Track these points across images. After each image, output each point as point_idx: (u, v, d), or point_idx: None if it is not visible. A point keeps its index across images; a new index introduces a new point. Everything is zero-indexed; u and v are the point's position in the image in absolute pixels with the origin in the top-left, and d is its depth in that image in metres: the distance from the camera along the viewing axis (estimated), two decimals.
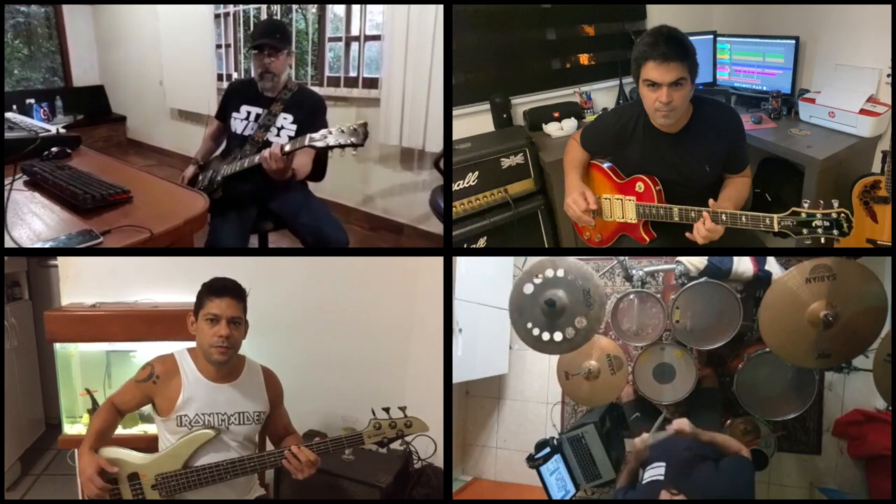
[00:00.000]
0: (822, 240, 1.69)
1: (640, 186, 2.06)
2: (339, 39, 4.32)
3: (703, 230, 1.82)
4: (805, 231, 1.69)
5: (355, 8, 4.14)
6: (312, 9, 4.57)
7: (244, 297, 1.78)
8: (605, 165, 2.19)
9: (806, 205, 1.70)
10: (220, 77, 5.40)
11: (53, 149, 2.49)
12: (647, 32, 1.87)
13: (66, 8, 6.90)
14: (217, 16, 5.27)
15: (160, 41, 5.92)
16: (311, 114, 2.55)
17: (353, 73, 4.25)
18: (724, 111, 2.03)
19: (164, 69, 6.01)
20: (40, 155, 2.45)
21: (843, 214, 1.65)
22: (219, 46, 5.36)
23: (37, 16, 6.80)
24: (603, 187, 2.19)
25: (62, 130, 2.80)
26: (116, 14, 6.70)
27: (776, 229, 1.73)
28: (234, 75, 5.27)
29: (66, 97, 6.66)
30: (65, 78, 7.12)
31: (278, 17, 4.65)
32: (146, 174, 2.45)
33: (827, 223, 1.66)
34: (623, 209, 2.14)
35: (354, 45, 4.21)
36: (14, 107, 5.76)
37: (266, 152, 2.24)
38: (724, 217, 1.81)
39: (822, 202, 1.68)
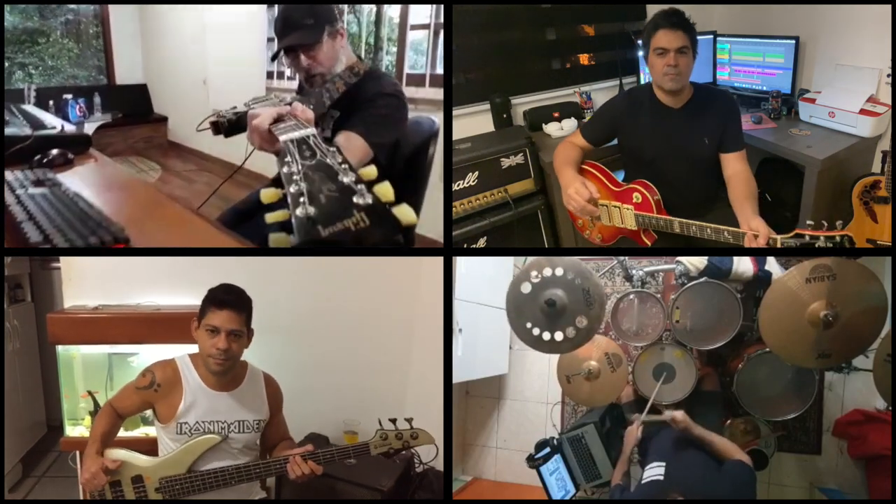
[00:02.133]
0: None
1: (637, 197, 2.14)
2: (426, 27, 3.47)
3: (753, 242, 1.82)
4: None
5: None
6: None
7: (247, 308, 1.75)
8: (598, 172, 2.25)
9: (809, 225, 1.70)
10: (269, 75, 4.84)
11: (52, 151, 2.01)
12: (657, 12, 2.10)
13: (112, 4, 6.86)
14: (270, 4, 4.72)
15: (205, 36, 5.60)
16: (360, 108, 1.89)
17: (441, 70, 3.42)
18: (719, 93, 2.29)
19: (208, 67, 5.69)
20: (30, 160, 1.92)
21: (846, 237, 1.65)
22: (271, 40, 4.76)
23: (86, 14, 6.85)
24: (599, 194, 2.20)
25: (70, 127, 2.30)
26: (162, 9, 6.51)
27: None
28: (287, 72, 4.61)
29: (107, 95, 6.57)
30: (108, 75, 7.09)
31: None
32: (170, 201, 1.86)
33: (829, 245, 1.67)
34: (622, 217, 2.19)
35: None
36: (51, 102, 5.68)
37: (256, 111, 1.52)
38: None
39: (825, 223, 1.68)
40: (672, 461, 1.79)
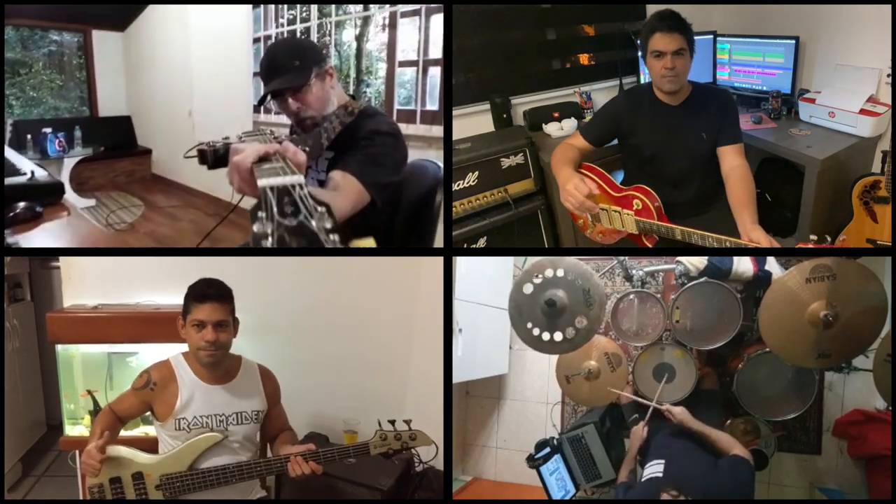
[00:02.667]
0: None
1: (637, 204, 2.14)
2: (414, 63, 3.44)
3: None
4: None
5: (434, 25, 3.27)
6: (350, 36, 3.85)
7: (229, 298, 1.77)
8: (597, 176, 2.24)
9: (813, 240, 1.75)
10: (257, 108, 4.81)
11: (19, 205, 1.75)
12: (653, 14, 2.13)
13: (95, 34, 6.74)
14: (256, 40, 4.77)
15: (191, 67, 5.50)
16: (355, 147, 1.76)
17: (431, 106, 3.35)
18: (717, 90, 2.35)
19: (194, 98, 5.57)
20: None
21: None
22: (257, 74, 4.76)
23: (70, 45, 6.81)
24: (598, 198, 2.21)
25: (41, 173, 2.09)
26: (146, 39, 6.45)
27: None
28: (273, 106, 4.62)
29: (88, 127, 6.29)
30: (91, 107, 6.97)
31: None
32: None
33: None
34: (623, 221, 2.20)
35: (434, 70, 3.34)
36: (29, 137, 5.54)
37: (239, 146, 1.33)
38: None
39: (828, 237, 1.72)
40: (671, 459, 1.79)
